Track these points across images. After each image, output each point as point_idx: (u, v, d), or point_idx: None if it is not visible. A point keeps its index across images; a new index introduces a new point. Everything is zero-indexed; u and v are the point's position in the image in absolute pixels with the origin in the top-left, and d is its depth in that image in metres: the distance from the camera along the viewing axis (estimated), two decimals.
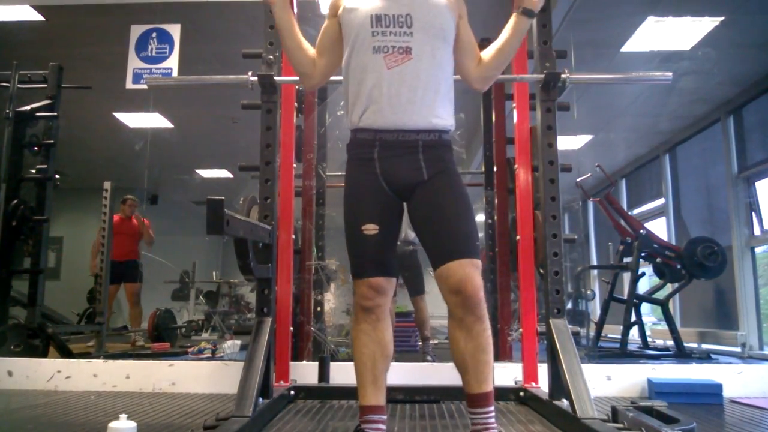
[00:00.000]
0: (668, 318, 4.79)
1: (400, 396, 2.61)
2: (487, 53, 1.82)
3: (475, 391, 1.64)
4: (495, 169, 3.85)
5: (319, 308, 3.56)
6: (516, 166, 2.79)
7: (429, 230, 1.72)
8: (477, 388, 1.64)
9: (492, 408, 1.65)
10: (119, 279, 5.64)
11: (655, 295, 5.04)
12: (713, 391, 2.72)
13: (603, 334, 5.28)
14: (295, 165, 2.78)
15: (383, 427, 1.68)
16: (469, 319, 1.62)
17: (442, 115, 1.75)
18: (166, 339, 5.45)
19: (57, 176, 4.19)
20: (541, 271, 2.55)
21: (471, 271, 1.62)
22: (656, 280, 5.27)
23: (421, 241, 1.76)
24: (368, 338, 1.70)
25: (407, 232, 3.92)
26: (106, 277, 4.74)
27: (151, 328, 5.49)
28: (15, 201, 3.96)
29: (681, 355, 4.58)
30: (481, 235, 4.12)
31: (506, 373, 2.80)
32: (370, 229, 1.70)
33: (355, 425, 1.73)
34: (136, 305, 5.79)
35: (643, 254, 5.00)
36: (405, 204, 1.80)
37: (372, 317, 1.71)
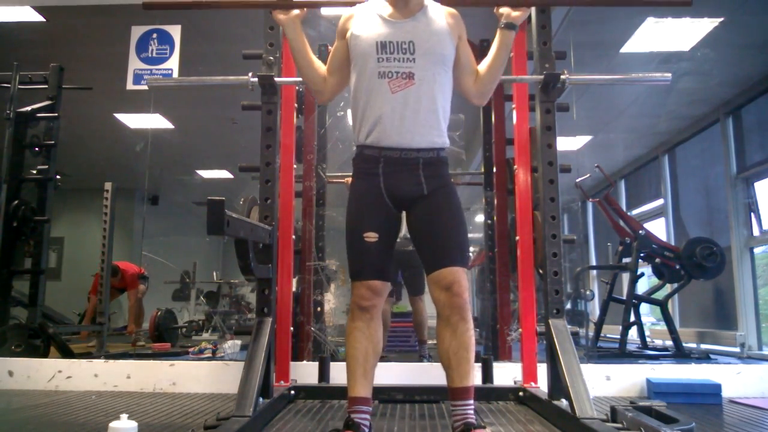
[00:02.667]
0: (667, 318, 4.80)
1: (400, 396, 2.62)
2: (482, 67, 1.96)
3: (457, 385, 1.78)
4: (494, 169, 3.86)
5: (319, 308, 3.56)
6: (515, 166, 2.80)
7: (426, 240, 1.86)
8: (459, 382, 1.78)
9: (471, 402, 1.78)
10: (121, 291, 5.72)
11: (654, 296, 5.04)
12: (712, 392, 2.73)
13: (602, 335, 5.29)
14: (295, 166, 2.79)
15: (369, 417, 1.82)
16: (455, 318, 1.77)
17: (441, 135, 1.89)
18: (167, 339, 5.46)
19: (58, 177, 4.21)
20: (541, 271, 2.56)
21: (460, 276, 1.79)
22: (655, 281, 5.27)
23: (418, 248, 1.90)
24: (362, 335, 1.83)
25: (407, 232, 3.92)
26: (107, 277, 4.75)
27: (153, 328, 5.51)
28: (16, 201, 3.97)
29: (680, 355, 4.58)
30: (480, 235, 4.13)
31: (505, 373, 2.81)
32: (371, 236, 1.83)
33: (345, 421, 1.80)
34: (133, 304, 5.84)
35: (642, 255, 5.01)
36: (403, 213, 1.95)
37: (367, 316, 1.84)
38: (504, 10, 1.89)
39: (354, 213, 1.89)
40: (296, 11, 1.91)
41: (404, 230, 4.03)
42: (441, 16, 1.90)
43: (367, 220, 1.85)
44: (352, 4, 1.98)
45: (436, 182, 1.87)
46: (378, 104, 1.83)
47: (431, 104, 1.83)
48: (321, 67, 1.98)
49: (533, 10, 2.62)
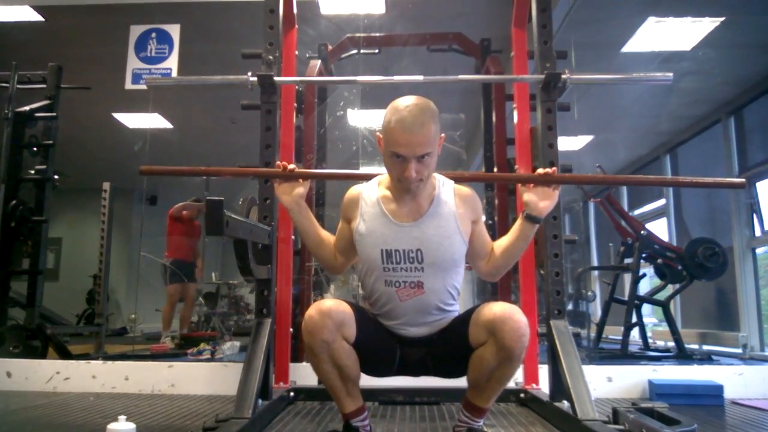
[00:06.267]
0: (669, 319, 4.79)
1: (400, 398, 2.60)
2: (496, 249, 1.82)
3: (476, 404, 1.73)
4: (495, 169, 3.84)
5: None
6: (516, 166, 2.79)
7: (446, 349, 1.77)
8: (479, 402, 1.72)
9: (482, 420, 1.75)
10: (183, 278, 5.60)
11: (656, 296, 5.03)
12: (714, 393, 2.72)
13: (604, 336, 5.28)
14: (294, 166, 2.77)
15: (368, 422, 1.78)
16: (504, 355, 1.59)
17: (451, 311, 1.81)
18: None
19: (56, 177, 4.20)
20: (542, 272, 2.54)
21: (518, 311, 1.62)
22: (657, 281, 5.26)
23: (450, 362, 1.79)
24: (327, 365, 1.66)
25: None
26: (106, 277, 4.73)
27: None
28: (14, 202, 3.96)
29: (682, 356, 4.57)
30: None
31: None
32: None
33: (343, 425, 1.77)
34: (192, 305, 5.78)
35: (643, 255, 5.00)
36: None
37: (322, 347, 1.62)
38: (529, 199, 1.69)
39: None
40: (299, 191, 1.77)
41: None
42: (452, 208, 1.74)
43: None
44: (355, 178, 1.91)
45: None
46: (387, 306, 1.76)
47: (442, 303, 1.76)
48: (330, 244, 1.86)
49: (534, 9, 2.60)
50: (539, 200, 1.69)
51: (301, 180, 1.78)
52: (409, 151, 1.60)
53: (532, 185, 1.71)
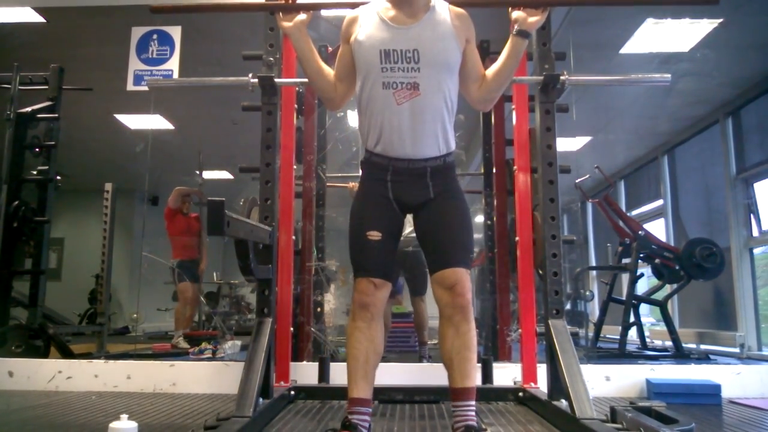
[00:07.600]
0: (667, 319, 4.80)
1: (400, 396, 2.62)
2: (488, 73, 1.90)
3: (458, 386, 1.77)
4: (494, 170, 3.86)
5: (319, 309, 3.57)
6: (515, 167, 2.80)
7: (431, 242, 1.87)
8: (460, 382, 1.77)
9: (473, 403, 1.78)
10: (194, 278, 5.59)
11: (653, 296, 5.05)
12: (712, 392, 2.73)
13: (602, 335, 5.30)
14: (295, 166, 2.79)
15: (368, 418, 1.81)
16: (457, 317, 1.77)
17: (447, 141, 1.88)
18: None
19: (58, 177, 4.21)
20: (540, 272, 2.56)
21: (463, 276, 1.79)
22: (655, 281, 5.28)
23: (424, 250, 1.91)
24: (362, 335, 1.81)
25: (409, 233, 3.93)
26: (108, 277, 4.74)
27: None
28: (16, 202, 3.98)
29: (680, 355, 4.59)
30: (480, 236, 4.14)
31: (505, 374, 2.81)
32: (374, 235, 1.83)
33: (342, 422, 1.79)
34: (195, 305, 5.74)
35: (641, 255, 5.01)
36: (408, 215, 1.96)
37: (367, 315, 1.81)
38: (518, 16, 1.80)
39: (359, 211, 1.90)
40: (301, 17, 1.86)
41: (406, 230, 4.03)
42: (447, 18, 1.83)
43: (371, 219, 1.85)
44: (356, 5, 1.93)
45: (443, 185, 1.88)
46: (383, 115, 1.81)
47: (437, 114, 1.82)
48: (330, 74, 1.94)
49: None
50: (528, 15, 1.80)
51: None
52: None
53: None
